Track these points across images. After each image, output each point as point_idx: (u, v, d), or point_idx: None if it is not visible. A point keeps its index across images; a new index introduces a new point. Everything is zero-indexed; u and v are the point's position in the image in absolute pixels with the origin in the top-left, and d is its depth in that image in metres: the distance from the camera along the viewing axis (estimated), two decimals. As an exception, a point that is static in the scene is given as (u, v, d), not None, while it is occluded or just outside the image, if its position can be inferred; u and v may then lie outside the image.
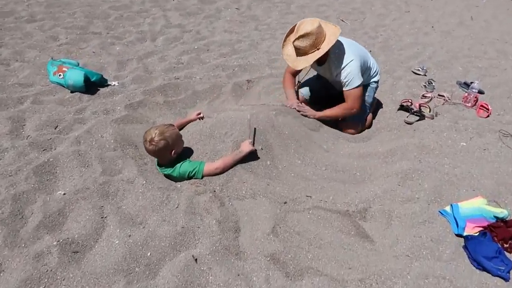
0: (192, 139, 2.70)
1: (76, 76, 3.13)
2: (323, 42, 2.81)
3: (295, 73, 3.45)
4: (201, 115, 2.95)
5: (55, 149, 2.56)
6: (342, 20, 6.38)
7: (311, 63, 2.79)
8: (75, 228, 2.01)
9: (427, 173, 2.72)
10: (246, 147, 2.53)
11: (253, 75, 4.04)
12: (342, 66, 2.93)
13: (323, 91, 3.57)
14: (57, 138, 2.64)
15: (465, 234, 2.26)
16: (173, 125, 2.51)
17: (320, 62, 3.06)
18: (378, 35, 5.86)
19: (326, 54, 2.93)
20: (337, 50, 2.98)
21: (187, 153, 2.59)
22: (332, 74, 3.04)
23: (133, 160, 2.56)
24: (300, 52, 2.84)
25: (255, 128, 2.77)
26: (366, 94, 3.34)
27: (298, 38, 2.77)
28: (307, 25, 2.75)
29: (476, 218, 2.34)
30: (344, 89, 3.01)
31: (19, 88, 3.21)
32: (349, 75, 2.93)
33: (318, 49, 2.80)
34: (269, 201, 2.35)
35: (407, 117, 3.51)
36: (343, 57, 2.94)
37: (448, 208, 2.41)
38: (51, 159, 2.41)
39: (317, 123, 3.19)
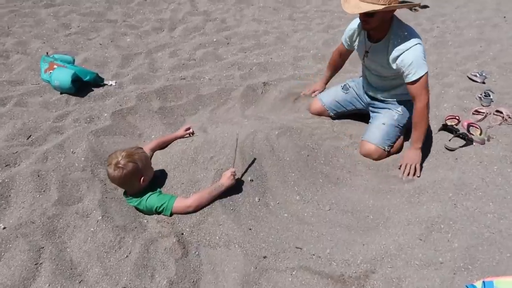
0: (172, 163, 2.30)
1: (63, 76, 2.83)
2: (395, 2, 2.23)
3: (346, 53, 2.95)
4: (191, 130, 2.53)
5: (18, 165, 2.27)
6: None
7: (378, 9, 2.16)
8: (3, 275, 1.70)
9: (461, 224, 2.11)
10: (226, 180, 2.09)
11: (272, 77, 3.53)
12: (406, 48, 2.33)
13: (349, 105, 3.00)
14: (25, 151, 2.36)
15: (499, 327, 1.68)
16: (141, 148, 2.12)
17: (376, 36, 2.49)
18: (434, 27, 5.04)
19: (387, 27, 2.39)
20: (402, 27, 2.41)
21: (160, 180, 2.20)
22: (389, 55, 2.42)
23: (100, 184, 2.21)
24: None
25: (254, 159, 2.32)
26: (400, 114, 2.73)
27: None
28: None
29: (519, 306, 1.73)
30: (411, 79, 2.38)
31: (7, 86, 2.97)
32: (417, 60, 2.32)
33: (389, 5, 2.19)
34: (245, 253, 1.89)
35: (449, 140, 2.85)
36: (408, 38, 2.35)
37: (478, 285, 1.81)
38: (6, 180, 2.12)
39: (332, 146, 2.66)
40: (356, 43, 2.71)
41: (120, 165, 1.95)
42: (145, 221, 2.06)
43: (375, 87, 2.78)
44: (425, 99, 2.42)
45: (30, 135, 2.50)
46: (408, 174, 2.51)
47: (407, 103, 2.73)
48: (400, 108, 2.74)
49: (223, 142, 2.37)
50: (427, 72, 2.37)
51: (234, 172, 2.12)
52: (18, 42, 3.59)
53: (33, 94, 2.91)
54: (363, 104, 2.96)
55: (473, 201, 2.29)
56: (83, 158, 2.34)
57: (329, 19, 4.94)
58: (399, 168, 2.57)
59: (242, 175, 2.24)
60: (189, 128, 2.53)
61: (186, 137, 2.53)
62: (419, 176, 2.52)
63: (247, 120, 2.74)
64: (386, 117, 2.74)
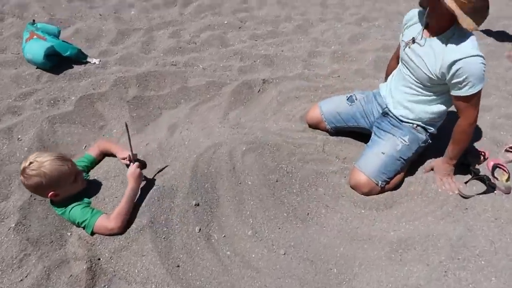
0: (114, 169, 2.03)
1: (36, 50, 2.61)
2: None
3: None
4: (126, 161, 2.00)
5: (-43, 148, 2.11)
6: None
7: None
8: None
9: (444, 302, 1.68)
10: (135, 182, 1.84)
11: (275, 73, 3.11)
12: (469, 54, 1.94)
13: (351, 121, 2.54)
14: (-29, 132, 2.19)
15: None
16: (67, 160, 1.80)
17: (435, 29, 2.08)
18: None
19: (453, 21, 1.99)
20: (468, 32, 2.02)
21: (95, 188, 1.93)
22: (445, 54, 2.02)
23: (36, 182, 1.99)
24: None
25: (166, 165, 2.00)
26: (406, 145, 2.27)
27: None
28: None
29: None
30: (466, 93, 2.02)
31: (-15, 53, 2.82)
32: (479, 72, 1.95)
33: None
34: (159, 298, 1.61)
35: (465, 182, 2.33)
36: (471, 43, 1.98)
37: None
38: None
39: (314, 171, 2.26)
40: (407, 32, 2.24)
41: (25, 174, 1.69)
42: (68, 234, 1.83)
43: (401, 96, 2.30)
44: (473, 116, 2.13)
45: (-15, 113, 2.33)
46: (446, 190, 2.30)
47: (422, 132, 2.27)
48: (407, 138, 2.26)
49: (178, 153, 2.07)
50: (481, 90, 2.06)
51: (139, 167, 1.88)
52: (18, 5, 3.43)
53: (8, 65, 2.73)
54: (368, 122, 2.50)
55: (470, 272, 1.80)
56: (26, 148, 2.13)
57: (367, 10, 4.34)
58: (424, 172, 2.43)
59: (155, 175, 1.97)
60: (128, 157, 1.97)
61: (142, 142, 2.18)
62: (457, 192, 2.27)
63: (220, 126, 2.40)
64: (388, 146, 2.27)
